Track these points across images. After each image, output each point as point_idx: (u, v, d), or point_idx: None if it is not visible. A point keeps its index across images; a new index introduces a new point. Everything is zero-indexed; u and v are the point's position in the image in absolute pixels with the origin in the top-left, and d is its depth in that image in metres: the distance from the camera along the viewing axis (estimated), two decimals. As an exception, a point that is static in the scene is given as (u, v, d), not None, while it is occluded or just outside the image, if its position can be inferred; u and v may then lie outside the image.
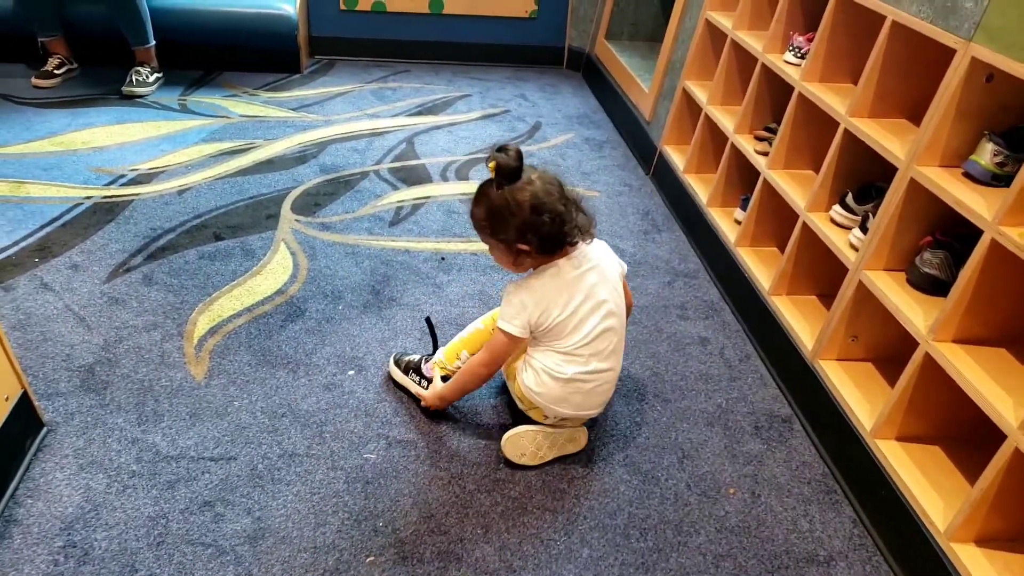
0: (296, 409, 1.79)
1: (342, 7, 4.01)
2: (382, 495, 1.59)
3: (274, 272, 2.27)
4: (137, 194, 2.60)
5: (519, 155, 1.49)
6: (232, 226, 2.48)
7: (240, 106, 3.42)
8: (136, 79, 3.39)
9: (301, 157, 2.99)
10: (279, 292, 2.18)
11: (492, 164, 1.49)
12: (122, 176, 2.72)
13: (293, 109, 3.44)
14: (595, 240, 1.63)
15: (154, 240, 2.36)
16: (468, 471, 1.67)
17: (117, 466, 1.59)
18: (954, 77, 1.49)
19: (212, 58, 3.78)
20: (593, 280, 1.59)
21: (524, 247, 1.54)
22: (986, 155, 1.49)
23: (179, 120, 3.20)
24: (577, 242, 1.57)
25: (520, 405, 1.73)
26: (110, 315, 2.02)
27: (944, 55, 1.54)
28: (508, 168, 1.49)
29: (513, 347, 1.63)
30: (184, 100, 3.41)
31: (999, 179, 1.47)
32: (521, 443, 1.67)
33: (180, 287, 2.15)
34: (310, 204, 2.66)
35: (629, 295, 1.74)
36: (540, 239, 1.52)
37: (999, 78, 1.46)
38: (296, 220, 2.56)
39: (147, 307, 2.06)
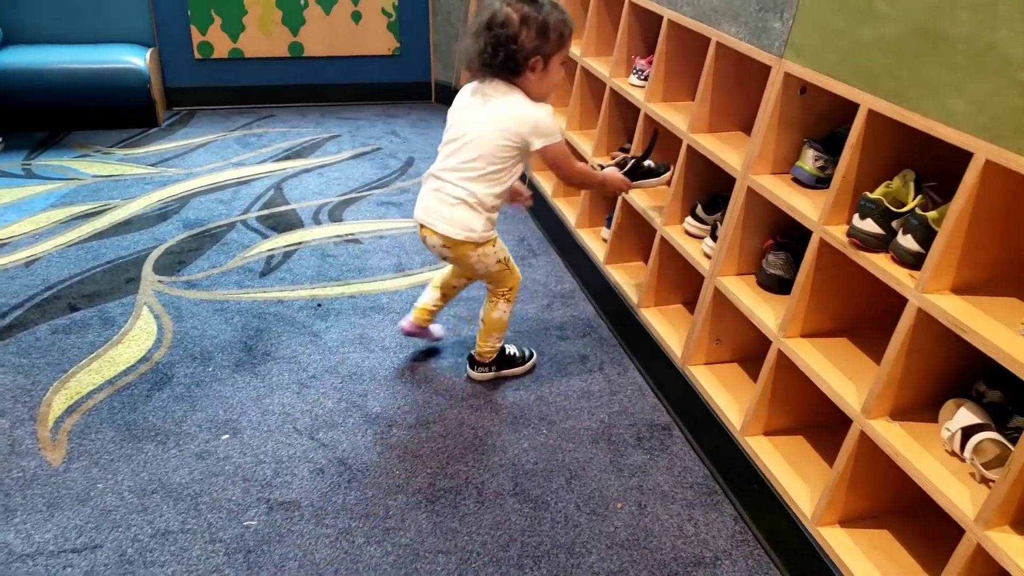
0: (167, 483, 1.70)
1: (197, 56, 3.90)
2: (266, 563, 1.53)
3: (137, 339, 2.16)
4: (-21, 271, 2.43)
5: None
6: (88, 295, 2.35)
7: (93, 166, 3.26)
8: (-28, 147, 3.17)
9: (162, 214, 2.88)
10: (143, 360, 2.08)
11: None
12: (-40, 253, 2.53)
13: (151, 164, 3.31)
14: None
15: None
16: (356, 524, 1.63)
17: (-34, 573, 1.46)
18: (773, 91, 1.60)
19: (58, 118, 3.59)
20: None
21: None
22: (809, 160, 1.60)
23: (24, 186, 3.02)
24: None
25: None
26: (-48, 407, 1.86)
27: (764, 71, 1.65)
28: None
29: None
30: (28, 164, 3.22)
31: (822, 181, 1.59)
32: None
33: (31, 367, 2.01)
34: (174, 262, 2.56)
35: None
36: None
37: (811, 90, 1.58)
38: (159, 281, 2.45)
39: (-6, 393, 1.92)
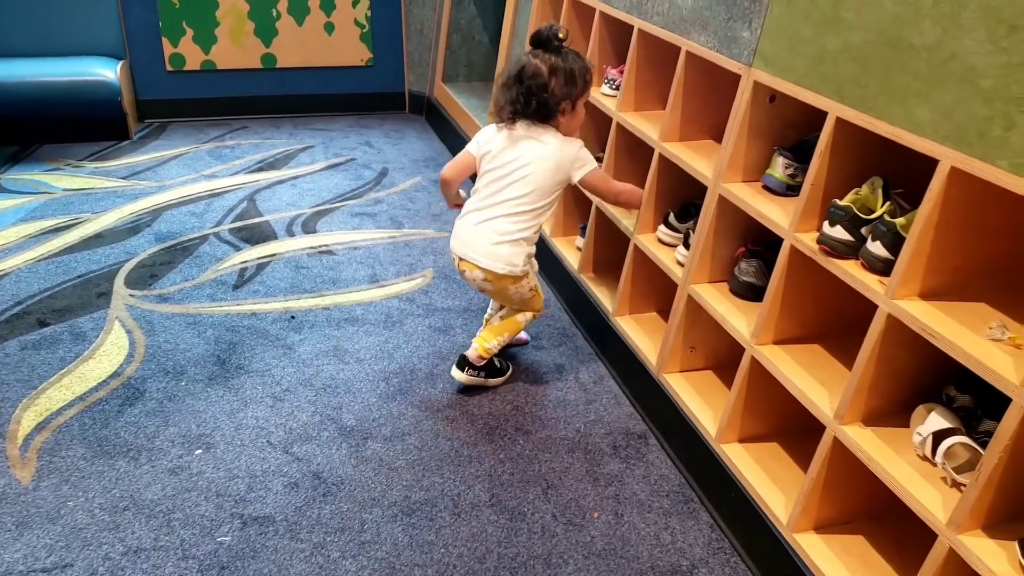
0: (139, 500, 1.67)
1: (169, 68, 3.86)
2: (239, 579, 1.51)
3: (108, 354, 2.13)
4: (-57, 287, 2.38)
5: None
6: (58, 310, 2.31)
7: (63, 180, 3.21)
8: (-63, 161, 3.11)
9: (134, 227, 2.84)
10: (115, 375, 2.04)
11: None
12: (-75, 269, 2.48)
13: (123, 178, 3.27)
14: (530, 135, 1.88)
15: (-35, 336, 2.16)
16: (331, 538, 1.61)
17: (-72, 597, 1.43)
18: (742, 99, 1.62)
19: (29, 131, 3.54)
20: None
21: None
22: (779, 168, 1.61)
23: (-9, 201, 2.97)
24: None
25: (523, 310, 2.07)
26: (-86, 426, 1.82)
27: (734, 80, 1.66)
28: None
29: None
30: (-3, 179, 3.17)
31: (792, 189, 1.60)
32: None
33: (0, 384, 1.98)
34: (145, 276, 2.52)
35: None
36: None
37: (780, 98, 1.59)
38: (131, 295, 2.41)
39: (-41, 411, 1.87)
